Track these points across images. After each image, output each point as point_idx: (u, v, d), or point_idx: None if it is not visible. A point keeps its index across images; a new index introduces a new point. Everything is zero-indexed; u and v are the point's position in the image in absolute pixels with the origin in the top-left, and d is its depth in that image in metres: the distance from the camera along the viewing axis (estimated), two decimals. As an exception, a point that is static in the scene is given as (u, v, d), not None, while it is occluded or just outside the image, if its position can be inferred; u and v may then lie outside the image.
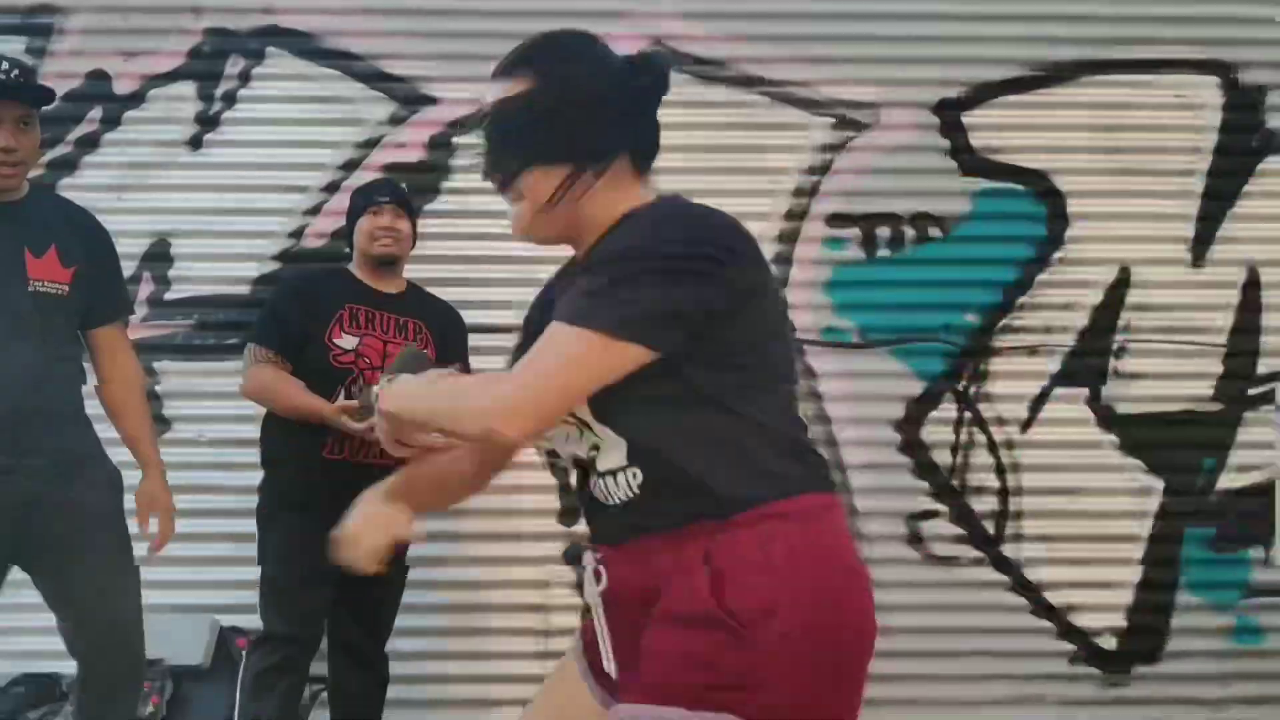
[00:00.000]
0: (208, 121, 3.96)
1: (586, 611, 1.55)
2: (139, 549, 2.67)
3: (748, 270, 1.42)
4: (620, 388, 1.37)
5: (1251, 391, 3.92)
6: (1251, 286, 3.95)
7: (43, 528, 2.43)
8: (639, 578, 1.45)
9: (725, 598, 1.35)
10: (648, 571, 1.44)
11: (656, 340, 1.35)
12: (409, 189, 3.90)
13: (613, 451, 1.45)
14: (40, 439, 2.43)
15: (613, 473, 1.46)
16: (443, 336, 3.26)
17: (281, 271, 3.78)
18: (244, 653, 3.21)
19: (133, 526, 2.66)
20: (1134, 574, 3.85)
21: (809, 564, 1.38)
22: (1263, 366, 3.93)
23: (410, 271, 3.87)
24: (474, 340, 3.87)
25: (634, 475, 1.44)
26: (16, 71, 2.42)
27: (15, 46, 3.87)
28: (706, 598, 1.35)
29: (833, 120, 4.00)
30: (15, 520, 2.40)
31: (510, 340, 3.90)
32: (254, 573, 3.14)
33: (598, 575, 1.49)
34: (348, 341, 3.09)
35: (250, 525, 3.18)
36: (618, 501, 1.47)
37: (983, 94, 4.02)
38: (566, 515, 3.86)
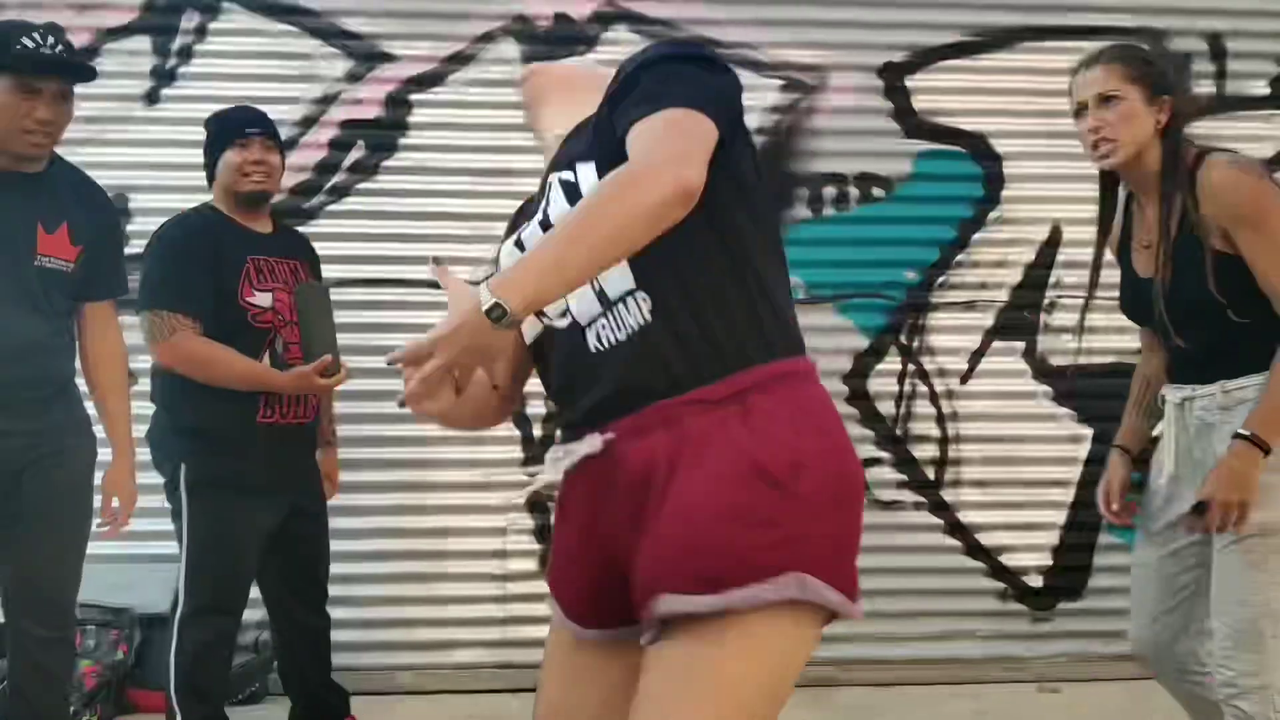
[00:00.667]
0: (163, 76, 3.96)
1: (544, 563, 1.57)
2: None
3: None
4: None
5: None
6: (1173, 245, 4.16)
7: (24, 493, 2.49)
8: (646, 450, 1.38)
9: (763, 454, 1.33)
10: (664, 440, 1.37)
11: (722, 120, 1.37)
12: (369, 146, 4.00)
13: (620, 280, 1.41)
14: (37, 408, 2.49)
15: (622, 299, 1.41)
16: (314, 270, 3.19)
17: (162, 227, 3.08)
18: (172, 627, 2.95)
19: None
20: (1061, 517, 4.06)
21: (821, 418, 1.41)
22: (1183, 321, 4.16)
23: (369, 228, 3.93)
24: (429, 295, 3.95)
25: (643, 300, 1.40)
26: (60, 47, 2.46)
27: (-36, -3, 3.85)
28: (749, 452, 1.33)
29: (781, 82, 4.11)
30: (6, 483, 2.46)
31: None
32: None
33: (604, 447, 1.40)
34: (263, 299, 2.94)
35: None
36: (623, 337, 1.41)
37: (925, 58, 4.15)
38: (528, 463, 3.97)
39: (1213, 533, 2.16)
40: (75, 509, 2.59)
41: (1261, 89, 4.24)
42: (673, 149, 1.31)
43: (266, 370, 2.88)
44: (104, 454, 2.74)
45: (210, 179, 3.04)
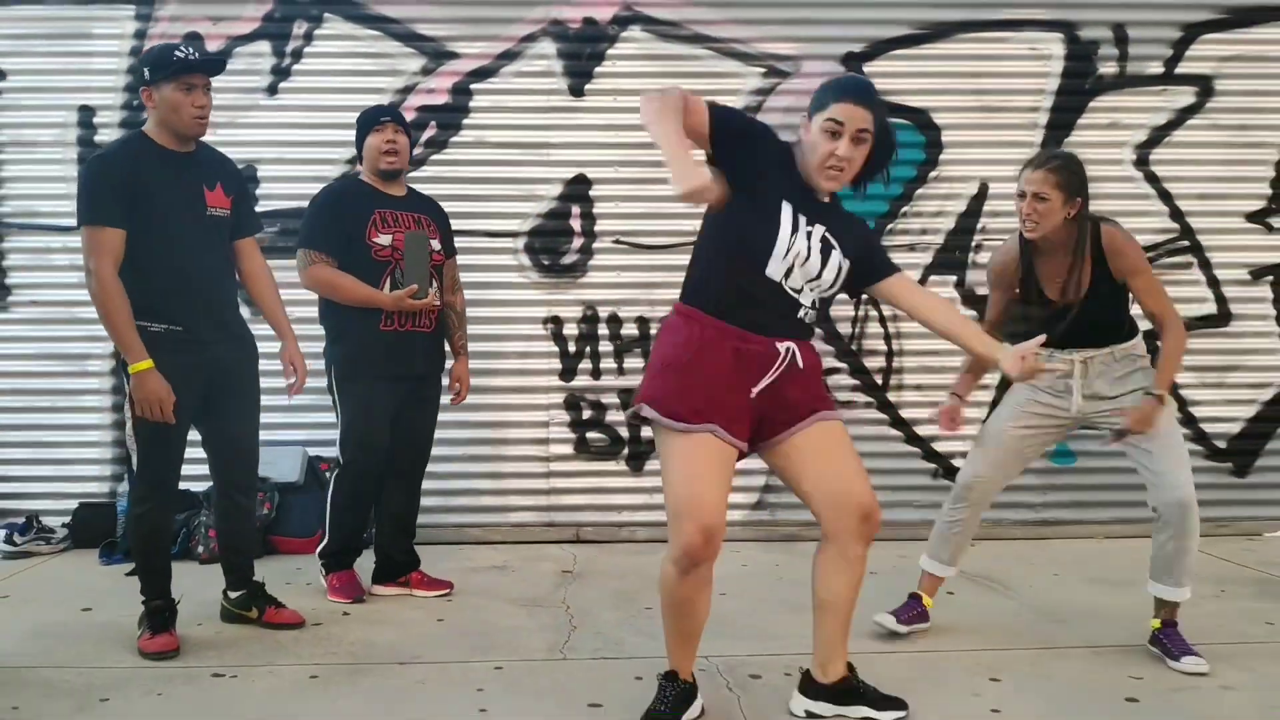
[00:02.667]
0: (281, 73, 4.89)
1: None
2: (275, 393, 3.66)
3: None
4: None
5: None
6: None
7: (219, 382, 3.39)
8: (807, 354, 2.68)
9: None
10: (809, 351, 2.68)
11: None
12: (439, 126, 4.99)
13: (810, 297, 2.63)
14: (225, 321, 3.39)
15: (809, 305, 2.63)
16: (439, 223, 3.94)
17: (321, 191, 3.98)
18: (331, 476, 3.86)
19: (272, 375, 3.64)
20: (981, 413, 4.99)
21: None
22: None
23: (439, 189, 4.82)
24: (484, 242, 4.94)
25: (813, 310, 2.65)
26: (197, 53, 3.25)
27: (125, 12, 4.84)
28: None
29: (763, 70, 4.96)
30: (209, 378, 3.35)
31: (515, 243, 4.97)
32: (331, 417, 3.92)
33: (790, 352, 2.60)
34: (384, 239, 3.73)
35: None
36: (801, 315, 2.61)
37: (879, 48, 4.97)
38: (565, 375, 4.97)
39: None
40: (255, 388, 3.52)
41: (1156, 68, 5.04)
42: None
43: (375, 292, 3.69)
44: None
45: (360, 159, 3.88)
